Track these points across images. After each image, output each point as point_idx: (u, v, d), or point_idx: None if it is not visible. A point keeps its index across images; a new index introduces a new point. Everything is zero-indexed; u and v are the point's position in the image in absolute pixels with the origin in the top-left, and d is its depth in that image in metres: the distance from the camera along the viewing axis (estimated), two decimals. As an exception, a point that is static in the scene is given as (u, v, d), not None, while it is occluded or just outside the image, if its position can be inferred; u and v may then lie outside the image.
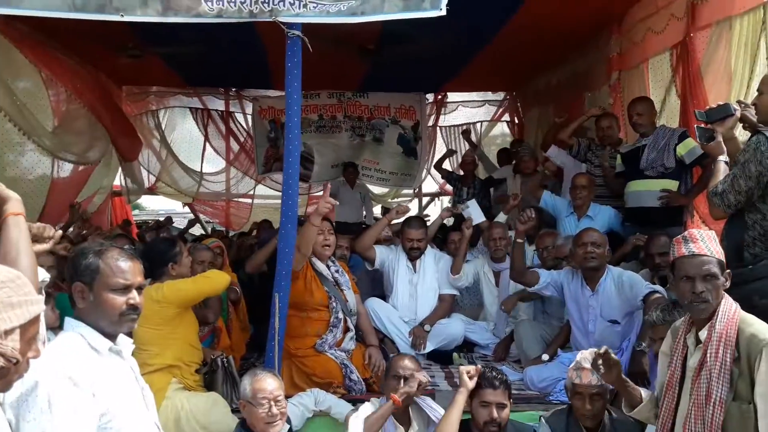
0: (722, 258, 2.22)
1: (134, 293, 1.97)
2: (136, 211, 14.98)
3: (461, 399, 2.96)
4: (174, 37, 5.82)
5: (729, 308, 2.14)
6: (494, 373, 2.97)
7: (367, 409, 3.09)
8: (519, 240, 4.12)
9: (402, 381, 3.04)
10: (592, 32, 6.10)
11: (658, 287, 3.69)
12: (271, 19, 3.03)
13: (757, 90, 2.98)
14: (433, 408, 3.15)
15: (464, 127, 9.20)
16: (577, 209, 4.86)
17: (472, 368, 3.02)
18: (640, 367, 3.40)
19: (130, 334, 2.07)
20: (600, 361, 2.38)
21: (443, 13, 3.09)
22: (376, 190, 9.77)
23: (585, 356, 2.88)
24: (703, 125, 3.10)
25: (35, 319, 1.41)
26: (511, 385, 3.05)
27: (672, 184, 4.40)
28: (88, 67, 7.00)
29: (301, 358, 3.73)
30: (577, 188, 4.84)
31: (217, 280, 3.41)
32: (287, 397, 3.06)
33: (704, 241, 2.22)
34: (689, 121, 4.41)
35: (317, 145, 9.17)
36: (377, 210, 9.99)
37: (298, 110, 3.20)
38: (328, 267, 4.01)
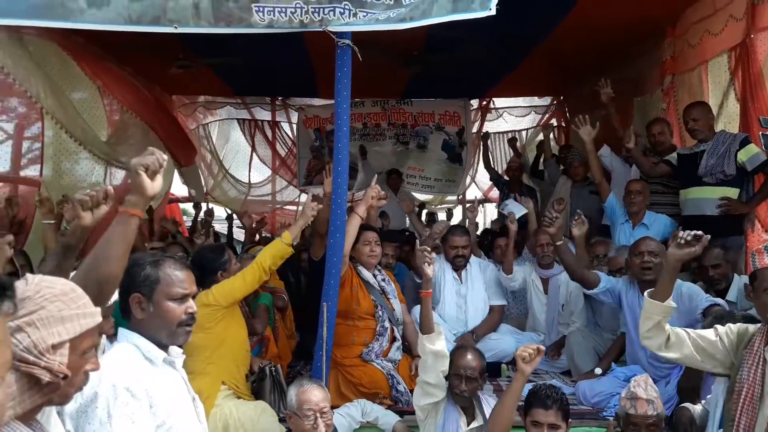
0: None
1: (191, 302, 1.99)
2: (185, 217, 15.31)
3: (517, 386, 2.85)
4: (223, 47, 5.93)
5: None
6: (548, 392, 2.83)
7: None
8: (558, 243, 4.00)
9: (463, 380, 2.95)
10: (644, 35, 5.94)
11: (719, 300, 3.55)
12: (321, 29, 3.03)
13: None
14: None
15: (510, 135, 9.08)
16: (632, 216, 4.71)
17: (529, 350, 2.79)
18: (694, 381, 3.27)
19: (180, 345, 2.08)
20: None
21: (493, 12, 3.03)
22: (421, 197, 9.73)
23: (639, 383, 2.80)
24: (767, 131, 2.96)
25: (89, 332, 1.42)
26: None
27: (732, 192, 4.22)
28: (140, 78, 7.19)
29: (348, 367, 3.71)
30: (631, 194, 4.68)
31: (260, 270, 3.33)
32: (334, 407, 3.05)
33: None
34: (750, 126, 4.25)
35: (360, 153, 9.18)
36: (422, 216, 9.95)
37: (347, 119, 3.19)
38: (375, 276, 3.99)
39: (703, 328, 3.33)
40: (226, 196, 9.55)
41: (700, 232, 2.34)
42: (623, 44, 6.22)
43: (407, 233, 7.35)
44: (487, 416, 3.01)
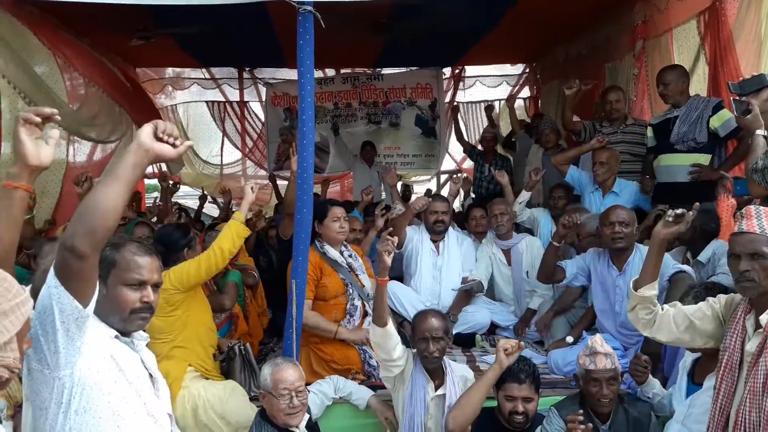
0: None
1: (149, 290, 1.89)
2: (155, 194, 15.05)
3: (491, 376, 2.87)
4: (185, 17, 5.72)
5: None
6: (521, 365, 2.86)
7: None
8: (555, 243, 3.95)
9: (430, 342, 2.93)
10: (614, 1, 5.86)
11: (685, 267, 3.56)
12: None
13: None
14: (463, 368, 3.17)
15: (486, 104, 9.01)
16: (601, 185, 4.70)
17: (511, 344, 2.88)
18: (655, 347, 3.30)
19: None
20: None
21: None
22: (401, 173, 9.67)
23: (596, 340, 2.91)
24: (737, 97, 2.93)
25: (28, 319, 1.35)
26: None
27: (704, 158, 4.19)
28: (101, 49, 6.93)
29: (319, 344, 3.66)
30: (595, 164, 4.69)
31: (219, 254, 3.22)
32: (306, 384, 3.01)
33: (759, 218, 2.08)
34: (720, 92, 4.22)
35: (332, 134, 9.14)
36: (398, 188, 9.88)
37: (312, 90, 3.08)
38: (341, 253, 3.91)
39: (668, 294, 3.37)
40: (198, 176, 9.43)
41: (682, 210, 2.29)
42: (594, 9, 6.14)
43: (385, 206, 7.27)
44: (454, 381, 3.02)
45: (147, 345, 1.99)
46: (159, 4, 3.34)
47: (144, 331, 1.98)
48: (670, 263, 3.56)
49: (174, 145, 1.66)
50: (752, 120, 2.81)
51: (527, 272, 4.65)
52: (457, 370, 3.12)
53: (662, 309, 2.39)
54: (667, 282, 3.49)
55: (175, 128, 1.69)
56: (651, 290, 2.38)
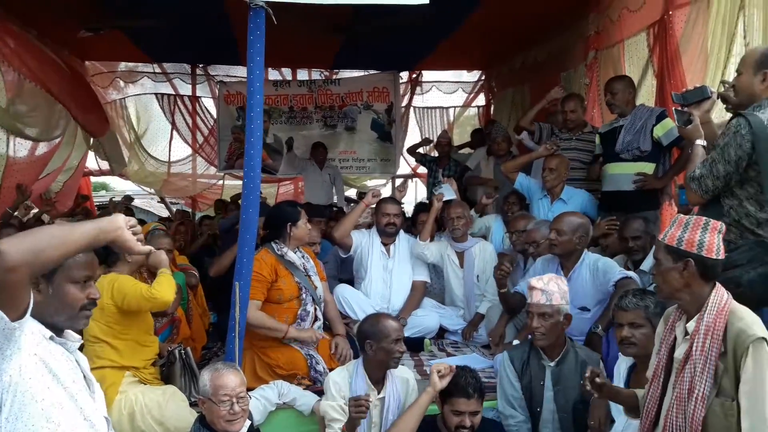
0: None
1: (94, 287, 1.88)
2: (102, 192, 14.64)
3: (426, 400, 2.87)
4: (135, 8, 5.57)
5: (720, 300, 2.03)
6: (468, 379, 2.83)
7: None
8: (502, 290, 3.93)
9: (400, 342, 2.96)
10: (570, 10, 5.96)
11: (631, 273, 3.62)
12: None
13: (736, 71, 2.87)
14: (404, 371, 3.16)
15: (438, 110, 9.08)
16: (549, 192, 4.76)
17: (444, 366, 2.89)
18: (595, 349, 3.34)
19: (80, 332, 1.94)
20: (589, 386, 2.32)
21: (426, 1, 2.93)
22: (355, 177, 9.62)
23: (542, 277, 3.13)
24: (679, 108, 2.99)
25: None
26: (480, 375, 2.95)
27: (648, 167, 4.29)
28: (46, 40, 6.67)
29: (264, 349, 3.57)
30: (545, 170, 4.73)
31: (163, 302, 3.15)
32: (249, 389, 2.94)
33: (684, 230, 2.11)
34: (666, 103, 4.31)
35: (286, 137, 9.00)
36: (352, 193, 9.83)
37: (261, 87, 3.01)
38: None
39: (610, 300, 3.42)
40: (144, 173, 9.16)
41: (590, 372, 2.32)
42: (550, 19, 6.23)
43: (335, 209, 7.23)
44: (395, 384, 3.01)
45: (82, 348, 1.92)
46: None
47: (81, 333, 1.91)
48: (617, 269, 3.62)
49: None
50: (693, 130, 2.87)
51: (477, 276, 4.66)
52: (397, 372, 3.08)
53: None
54: (612, 287, 3.55)
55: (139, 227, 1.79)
56: None
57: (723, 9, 3.88)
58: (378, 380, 3.00)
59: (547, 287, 3.05)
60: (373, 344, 2.93)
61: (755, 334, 1.92)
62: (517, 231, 4.45)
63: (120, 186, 15.49)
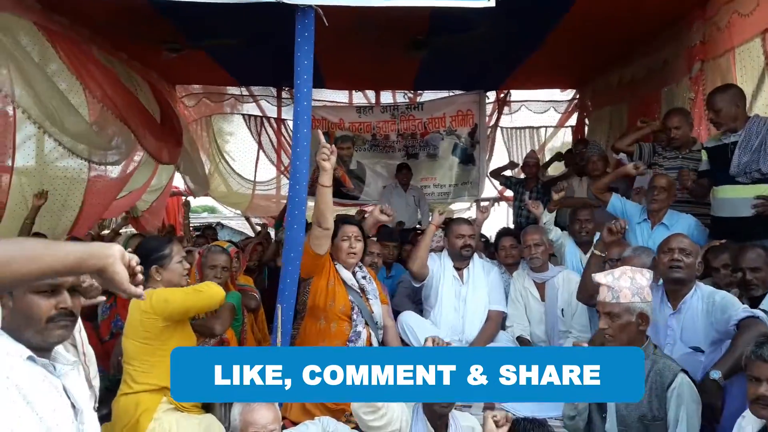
0: None
1: (65, 295, 1.66)
2: (193, 215, 15.07)
3: None
4: (212, 29, 5.58)
5: None
6: (533, 427, 2.42)
7: None
8: (598, 252, 3.51)
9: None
10: (671, 19, 5.45)
11: (758, 312, 2.97)
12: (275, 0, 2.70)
13: None
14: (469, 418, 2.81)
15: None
16: (652, 215, 4.20)
17: (500, 415, 2.41)
18: (711, 399, 2.74)
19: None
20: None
21: (492, 4, 2.73)
22: (438, 204, 9.28)
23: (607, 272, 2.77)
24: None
25: None
26: (551, 426, 2.54)
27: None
28: (135, 63, 6.85)
29: (314, 379, 3.27)
30: (654, 189, 4.16)
31: (210, 295, 2.94)
32: (294, 423, 2.65)
33: None
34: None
35: (370, 164, 8.92)
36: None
37: (309, 93, 2.79)
38: (354, 274, 3.55)
39: (733, 341, 2.84)
40: (230, 193, 9.23)
41: None
42: (649, 30, 5.76)
43: (418, 230, 6.91)
44: None
45: (87, 370, 1.70)
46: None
47: (76, 349, 1.69)
48: (739, 306, 3.01)
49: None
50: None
51: (562, 310, 4.16)
52: (462, 420, 2.69)
53: None
54: (734, 327, 2.94)
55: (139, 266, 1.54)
56: None
57: None
58: (440, 425, 2.63)
59: (616, 283, 2.65)
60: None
61: None
62: (610, 260, 3.91)
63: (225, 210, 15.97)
